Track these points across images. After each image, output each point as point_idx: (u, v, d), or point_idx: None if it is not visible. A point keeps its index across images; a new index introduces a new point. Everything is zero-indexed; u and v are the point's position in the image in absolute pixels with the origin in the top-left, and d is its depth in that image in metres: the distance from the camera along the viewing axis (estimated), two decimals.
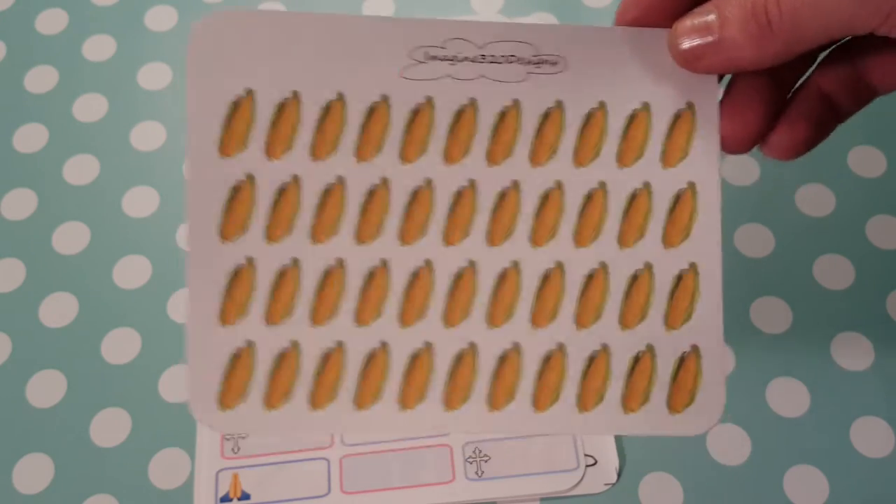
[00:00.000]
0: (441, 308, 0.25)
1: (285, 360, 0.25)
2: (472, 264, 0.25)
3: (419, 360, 0.25)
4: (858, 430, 0.34)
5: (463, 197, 0.25)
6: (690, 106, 0.25)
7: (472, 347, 0.25)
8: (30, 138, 0.42)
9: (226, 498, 0.33)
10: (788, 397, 0.35)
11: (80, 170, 0.41)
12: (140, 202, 0.40)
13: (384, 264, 0.25)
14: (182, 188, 0.40)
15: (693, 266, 0.25)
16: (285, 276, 0.25)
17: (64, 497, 0.34)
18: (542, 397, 0.25)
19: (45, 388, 0.36)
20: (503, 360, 0.25)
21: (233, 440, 0.34)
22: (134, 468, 0.35)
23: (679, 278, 0.25)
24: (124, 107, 0.43)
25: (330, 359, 0.25)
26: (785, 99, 0.26)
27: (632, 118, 0.25)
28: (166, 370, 0.36)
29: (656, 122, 0.25)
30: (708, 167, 0.25)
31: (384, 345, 0.25)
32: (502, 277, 0.25)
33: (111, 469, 0.35)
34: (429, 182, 0.25)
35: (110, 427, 0.35)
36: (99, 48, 0.44)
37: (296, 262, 0.25)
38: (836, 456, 0.34)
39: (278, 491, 0.33)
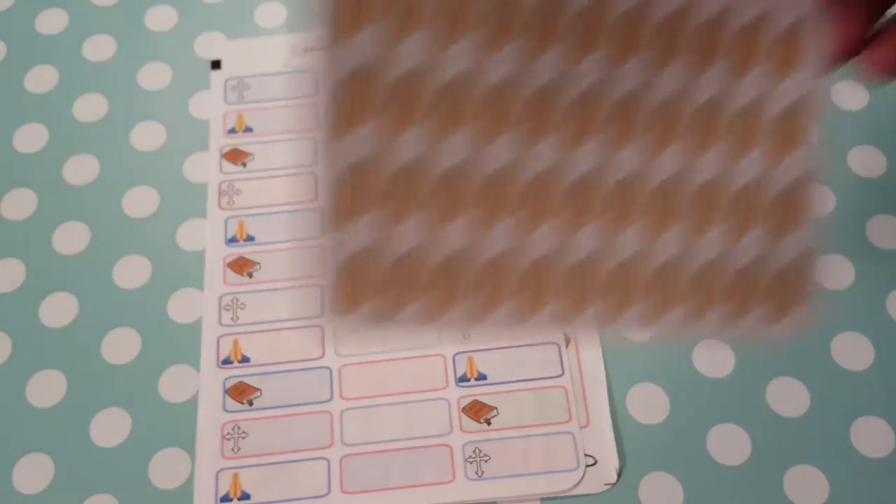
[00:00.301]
0: (568, 210, 0.24)
1: (410, 260, 0.24)
2: (599, 167, 0.24)
3: (546, 261, 0.24)
4: (858, 430, 0.34)
5: (594, 96, 0.24)
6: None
7: (597, 251, 0.24)
8: (30, 138, 0.42)
9: (226, 498, 0.33)
10: (788, 397, 0.35)
11: (80, 170, 0.41)
12: (140, 202, 0.40)
13: (512, 164, 0.24)
14: (182, 188, 0.40)
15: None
16: (410, 173, 0.24)
17: (64, 497, 0.34)
18: (663, 304, 0.25)
19: (46, 388, 0.36)
20: (628, 262, 0.24)
21: (233, 440, 0.34)
22: (134, 468, 0.35)
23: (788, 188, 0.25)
24: (124, 107, 0.43)
25: (454, 260, 0.24)
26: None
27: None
28: (166, 370, 0.36)
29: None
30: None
31: (512, 247, 0.24)
32: (629, 180, 0.24)
33: (111, 469, 0.35)
34: (557, 79, 0.24)
35: (110, 427, 0.35)
36: (99, 48, 0.44)
37: (420, 159, 0.24)
38: (836, 456, 0.34)
39: (278, 491, 0.33)
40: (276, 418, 0.35)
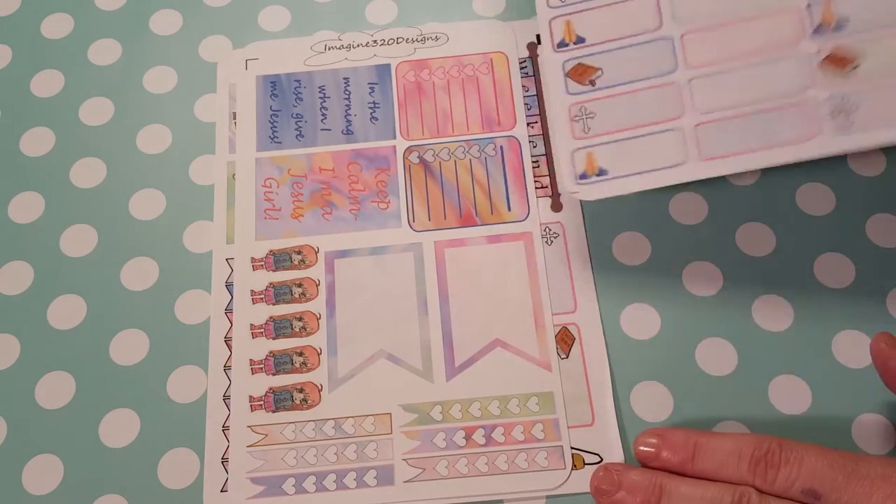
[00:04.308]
0: None
1: None
2: None
3: None
4: (860, 428, 0.35)
5: None
6: None
7: None
8: (37, 142, 0.42)
9: (584, 175, 0.33)
10: (790, 395, 0.35)
11: (87, 173, 0.41)
12: (147, 205, 0.40)
13: None
14: (188, 191, 0.41)
15: None
16: None
17: (74, 498, 0.35)
18: None
19: (55, 390, 0.37)
20: None
21: (581, 121, 0.34)
22: (143, 468, 0.35)
23: None
24: (130, 110, 0.43)
25: None
26: None
27: None
28: (175, 371, 0.37)
29: None
30: None
31: None
32: None
33: (120, 469, 0.35)
34: None
35: (119, 428, 0.36)
36: (105, 52, 0.45)
37: None
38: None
39: (634, 164, 0.33)
40: (622, 95, 0.34)
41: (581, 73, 0.33)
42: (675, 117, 0.33)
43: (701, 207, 0.39)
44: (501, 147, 0.41)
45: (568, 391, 0.36)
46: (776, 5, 0.33)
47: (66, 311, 0.38)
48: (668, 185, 0.33)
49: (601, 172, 0.33)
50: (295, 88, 0.43)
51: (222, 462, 0.35)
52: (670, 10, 0.33)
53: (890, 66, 0.31)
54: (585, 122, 0.33)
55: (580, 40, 0.33)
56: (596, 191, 0.34)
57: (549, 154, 0.39)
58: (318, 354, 0.37)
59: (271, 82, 0.43)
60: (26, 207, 0.41)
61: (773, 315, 0.37)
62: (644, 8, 0.34)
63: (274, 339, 0.38)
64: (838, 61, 0.32)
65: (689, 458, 0.32)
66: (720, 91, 0.33)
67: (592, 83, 0.34)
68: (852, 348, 0.36)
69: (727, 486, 0.30)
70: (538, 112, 0.41)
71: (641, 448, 0.33)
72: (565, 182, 0.34)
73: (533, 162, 0.40)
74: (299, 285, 0.39)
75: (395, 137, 0.42)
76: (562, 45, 0.33)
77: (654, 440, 0.33)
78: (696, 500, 0.30)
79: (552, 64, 0.35)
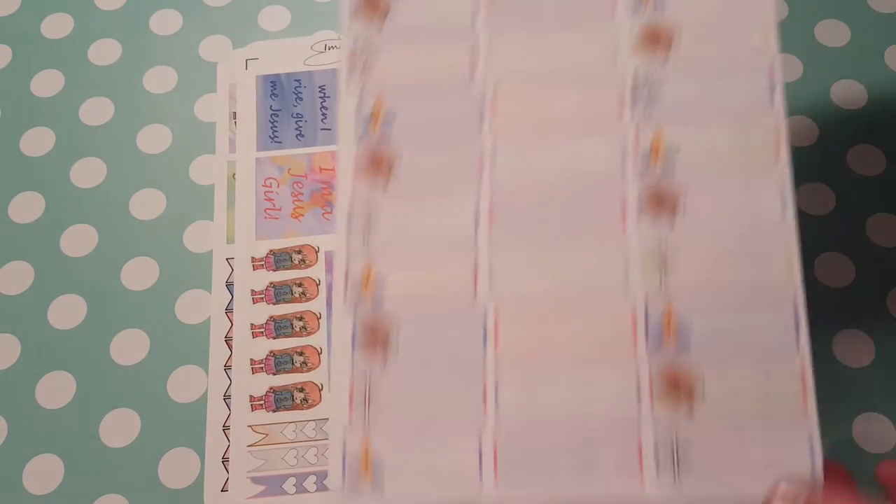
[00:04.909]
0: None
1: None
2: None
3: None
4: (860, 427, 0.35)
5: None
6: None
7: None
8: (37, 142, 0.42)
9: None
10: None
11: (87, 173, 0.41)
12: (147, 204, 0.40)
13: None
14: (188, 190, 0.41)
15: None
16: None
17: (74, 497, 0.35)
18: None
19: (55, 390, 0.37)
20: None
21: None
22: (144, 468, 0.35)
23: None
24: (130, 110, 0.43)
25: None
26: None
27: None
28: (175, 370, 0.37)
29: None
30: None
31: None
32: None
33: (121, 469, 0.35)
34: None
35: (120, 427, 0.36)
36: (105, 52, 0.45)
37: None
38: (839, 452, 0.34)
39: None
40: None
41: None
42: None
43: None
44: None
45: None
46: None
47: (67, 311, 0.38)
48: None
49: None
50: (295, 88, 0.43)
51: (223, 462, 0.35)
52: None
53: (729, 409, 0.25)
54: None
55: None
56: None
57: None
58: (319, 354, 0.37)
59: (271, 82, 0.43)
60: (26, 207, 0.41)
61: None
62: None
63: (274, 338, 0.38)
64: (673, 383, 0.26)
65: None
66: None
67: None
68: (853, 347, 0.36)
69: None
70: None
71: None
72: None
73: None
74: (300, 285, 0.39)
75: None
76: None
77: None
78: None
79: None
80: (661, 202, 0.26)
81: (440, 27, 0.28)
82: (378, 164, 0.28)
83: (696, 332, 0.26)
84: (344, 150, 0.28)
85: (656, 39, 0.27)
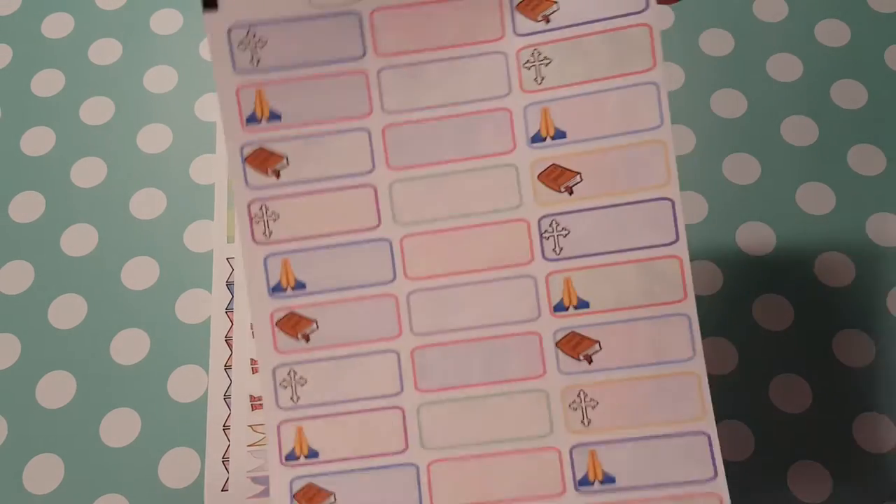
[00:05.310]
0: None
1: None
2: None
3: None
4: (861, 426, 0.35)
5: None
6: None
7: None
8: (37, 141, 0.42)
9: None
10: (791, 394, 0.35)
11: (88, 172, 0.41)
12: (147, 204, 0.40)
13: None
14: (189, 190, 0.41)
15: None
16: None
17: (75, 497, 0.35)
18: None
19: (55, 390, 0.37)
20: None
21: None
22: (144, 468, 0.35)
23: None
24: (131, 109, 0.43)
25: None
26: None
27: None
28: (175, 370, 0.37)
29: None
30: None
31: None
32: None
33: (121, 469, 0.35)
34: None
35: (120, 427, 0.36)
36: (105, 52, 0.45)
37: None
38: (839, 451, 0.34)
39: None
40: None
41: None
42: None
43: (701, 207, 0.39)
44: None
45: None
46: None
47: (67, 311, 0.38)
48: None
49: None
50: None
51: (223, 461, 0.35)
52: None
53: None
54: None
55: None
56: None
57: None
58: None
59: None
60: (27, 207, 0.41)
61: (773, 315, 0.37)
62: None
63: None
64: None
65: None
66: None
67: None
68: (853, 347, 0.36)
69: None
70: None
71: None
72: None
73: None
74: None
75: None
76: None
77: None
78: None
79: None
80: (578, 344, 0.27)
81: (339, 177, 0.27)
82: (296, 324, 0.28)
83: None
84: (258, 312, 0.27)
85: (559, 176, 0.27)
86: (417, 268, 0.27)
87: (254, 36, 0.27)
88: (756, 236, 0.38)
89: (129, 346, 0.37)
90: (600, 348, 0.27)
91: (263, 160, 0.27)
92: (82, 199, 0.41)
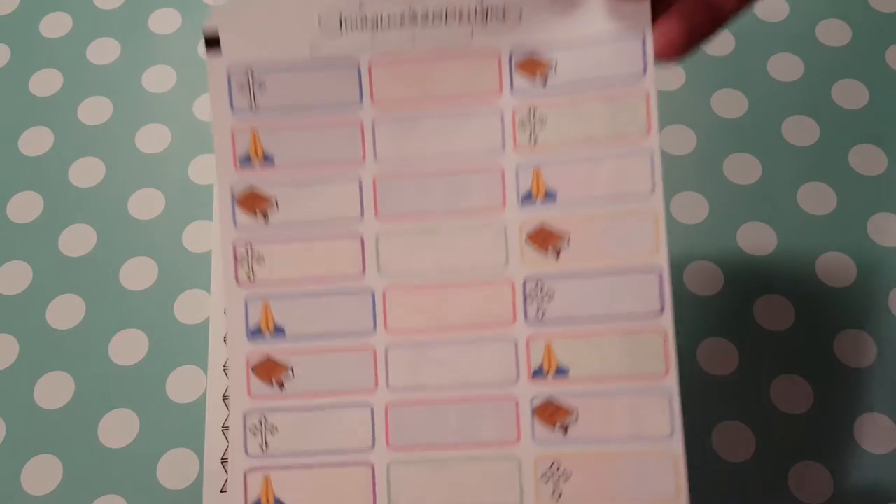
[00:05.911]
0: None
1: None
2: None
3: None
4: (862, 427, 0.35)
5: None
6: None
7: None
8: (35, 141, 0.42)
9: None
10: (792, 394, 0.35)
11: (86, 172, 0.41)
12: (146, 204, 0.40)
13: None
14: (187, 190, 0.41)
15: None
16: None
17: (73, 498, 0.34)
18: None
19: (54, 390, 0.36)
20: None
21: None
22: (142, 469, 0.35)
23: None
24: (129, 109, 0.43)
25: None
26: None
27: None
28: (174, 371, 0.37)
29: None
30: None
31: None
32: None
33: (120, 470, 0.35)
34: None
35: (118, 428, 0.36)
36: (103, 51, 0.44)
37: None
38: (840, 452, 0.34)
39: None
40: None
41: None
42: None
43: (702, 207, 0.39)
44: None
45: None
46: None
47: (65, 311, 0.38)
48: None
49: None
50: None
51: (222, 462, 0.35)
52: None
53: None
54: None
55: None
56: None
57: None
58: None
59: None
60: (25, 207, 0.40)
61: (774, 315, 0.37)
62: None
63: None
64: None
65: None
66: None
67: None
68: (854, 347, 0.36)
69: None
70: None
71: None
72: None
73: None
74: None
75: None
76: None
77: None
78: None
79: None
80: (554, 413, 0.27)
81: (327, 224, 0.27)
82: (271, 369, 0.28)
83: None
84: (234, 355, 0.27)
85: (547, 238, 0.27)
86: (398, 321, 0.27)
87: (253, 78, 0.27)
88: (757, 236, 0.38)
89: (128, 347, 0.37)
90: (577, 419, 0.26)
91: (253, 202, 0.27)
92: (81, 200, 0.41)
